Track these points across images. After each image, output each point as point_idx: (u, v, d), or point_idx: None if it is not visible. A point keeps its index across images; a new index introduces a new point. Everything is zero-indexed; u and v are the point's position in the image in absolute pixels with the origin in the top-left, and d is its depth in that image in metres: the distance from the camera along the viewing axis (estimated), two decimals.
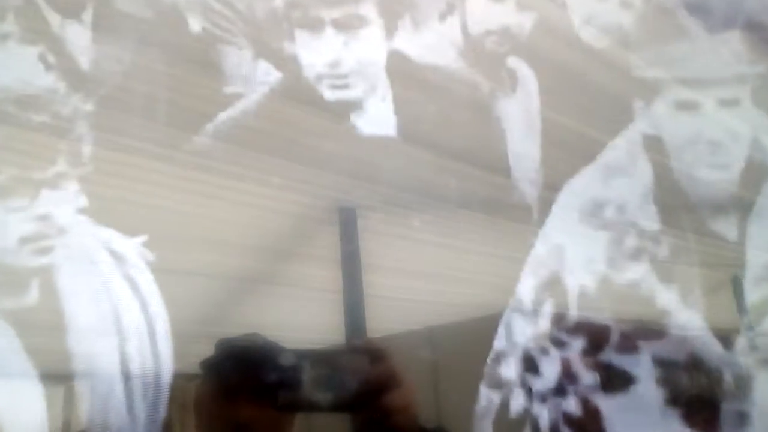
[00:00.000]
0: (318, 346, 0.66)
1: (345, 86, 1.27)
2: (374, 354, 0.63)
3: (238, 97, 1.24)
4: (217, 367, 0.63)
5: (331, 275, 2.04)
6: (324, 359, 0.63)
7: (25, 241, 0.99)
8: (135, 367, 0.92)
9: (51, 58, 1.18)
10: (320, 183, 1.80)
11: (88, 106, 1.19)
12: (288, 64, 1.26)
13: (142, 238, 1.04)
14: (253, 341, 0.65)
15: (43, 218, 1.03)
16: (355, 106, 1.28)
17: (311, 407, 0.62)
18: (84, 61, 1.20)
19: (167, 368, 0.93)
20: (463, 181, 1.87)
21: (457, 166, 1.79)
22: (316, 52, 1.27)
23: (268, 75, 1.26)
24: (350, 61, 1.28)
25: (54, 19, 1.21)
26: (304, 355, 0.63)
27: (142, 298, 1.00)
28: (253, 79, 1.25)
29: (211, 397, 0.62)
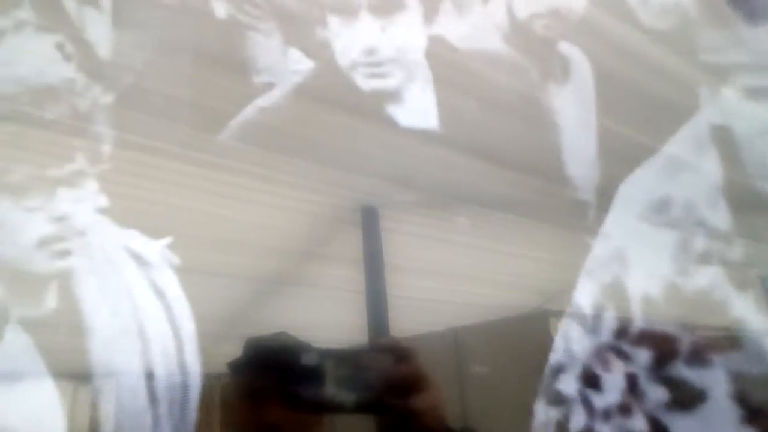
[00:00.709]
0: (343, 346, 0.65)
1: (382, 75, 1.23)
2: (401, 353, 0.62)
3: (268, 87, 1.21)
4: (246, 368, 0.63)
5: (354, 275, 2.04)
6: (354, 359, 0.63)
7: (42, 243, 0.98)
8: (160, 372, 0.90)
9: (69, 48, 1.17)
10: (342, 183, 1.79)
11: (108, 99, 1.17)
12: (320, 51, 1.24)
13: (166, 241, 1.02)
14: (282, 341, 0.64)
15: (61, 219, 1.01)
16: (392, 96, 1.24)
17: (341, 408, 0.62)
18: (103, 51, 1.19)
19: (195, 372, 0.90)
20: (491, 182, 1.85)
21: (486, 167, 1.76)
22: (350, 39, 1.24)
23: (299, 63, 1.23)
24: (387, 48, 1.25)
25: (72, 6, 1.20)
26: (333, 354, 0.62)
27: (166, 302, 0.98)
28: (284, 68, 1.22)
29: (239, 398, 0.63)
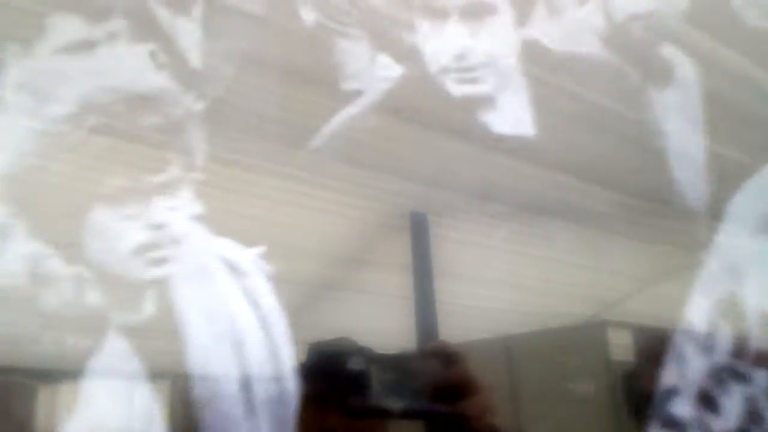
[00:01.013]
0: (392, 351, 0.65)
1: (473, 80, 1.23)
2: (450, 357, 0.62)
3: (357, 94, 1.22)
4: (308, 374, 0.64)
5: (404, 281, 2.04)
6: (402, 363, 0.63)
7: (139, 251, 1.00)
8: (256, 379, 0.91)
9: (161, 57, 1.21)
10: (392, 189, 1.79)
11: (199, 107, 1.20)
12: (410, 57, 1.24)
13: (259, 249, 1.04)
14: (344, 346, 0.65)
15: (157, 227, 1.04)
16: (485, 102, 1.23)
17: (389, 414, 0.61)
18: (194, 60, 1.22)
19: (290, 379, 0.91)
20: (548, 188, 1.82)
21: (545, 173, 1.74)
22: (440, 44, 1.24)
23: (388, 70, 1.24)
24: (478, 52, 1.24)
25: (163, 15, 1.24)
26: (381, 359, 0.63)
27: (260, 311, 0.99)
28: (372, 74, 1.23)
29: (305, 404, 0.64)
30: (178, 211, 1.07)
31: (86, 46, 1.18)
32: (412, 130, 1.53)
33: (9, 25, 1.19)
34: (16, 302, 0.95)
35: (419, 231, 2.07)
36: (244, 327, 0.96)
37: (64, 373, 0.93)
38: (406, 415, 0.62)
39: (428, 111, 1.48)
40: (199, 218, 1.08)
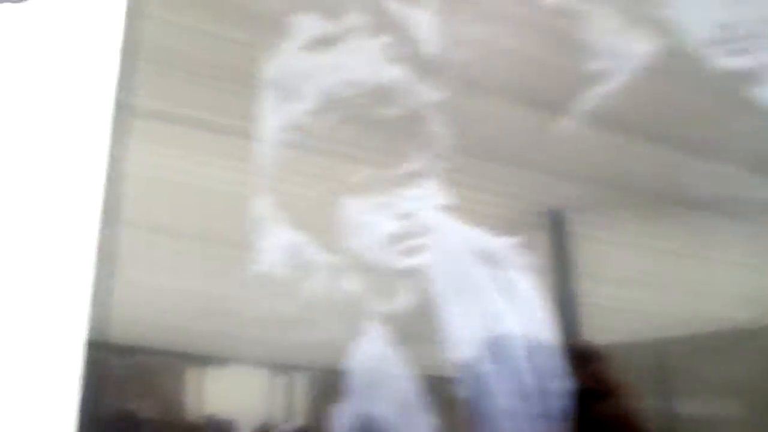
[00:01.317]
0: None
1: (743, 51, 1.10)
2: (589, 356, 0.55)
3: (604, 74, 1.15)
4: None
5: (544, 281, 1.94)
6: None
7: (391, 241, 1.00)
8: (521, 377, 0.87)
9: (396, 48, 1.22)
10: (529, 184, 1.69)
11: (437, 97, 1.19)
12: (665, 30, 1.15)
13: (515, 239, 1.00)
14: None
15: (406, 217, 1.03)
16: (756, 75, 1.11)
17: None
18: (429, 49, 1.22)
19: (554, 373, 0.86)
20: (709, 180, 1.60)
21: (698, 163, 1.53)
22: (701, 14, 1.13)
23: (639, 45, 1.15)
24: (748, 20, 1.12)
25: (396, 7, 1.25)
26: None
27: (519, 304, 0.95)
28: (622, 52, 1.15)
29: None
30: (425, 201, 1.06)
31: (326, 42, 1.22)
32: (549, 120, 1.44)
33: (258, 27, 1.26)
34: (278, 292, 0.98)
35: (558, 229, 2.00)
36: (504, 320, 0.92)
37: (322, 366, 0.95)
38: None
39: (565, 98, 1.37)
40: (447, 209, 1.06)
